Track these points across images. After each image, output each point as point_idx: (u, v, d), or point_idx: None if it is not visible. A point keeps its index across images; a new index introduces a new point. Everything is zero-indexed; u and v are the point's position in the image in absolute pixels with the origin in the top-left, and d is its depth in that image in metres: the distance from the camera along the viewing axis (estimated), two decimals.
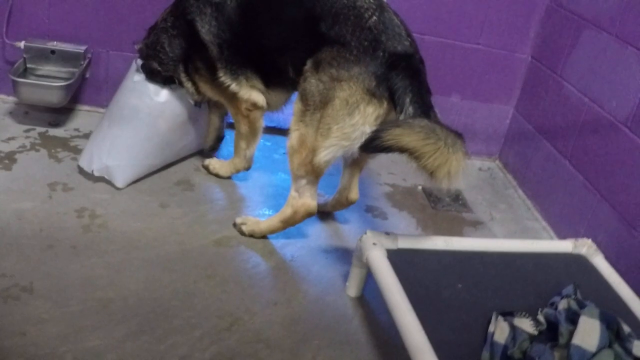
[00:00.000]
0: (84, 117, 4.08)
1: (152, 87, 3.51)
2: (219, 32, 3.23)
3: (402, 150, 2.61)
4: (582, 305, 2.51)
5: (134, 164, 3.45)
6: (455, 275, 2.75)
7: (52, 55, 3.90)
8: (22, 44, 3.82)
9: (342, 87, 2.83)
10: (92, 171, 3.38)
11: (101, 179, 3.39)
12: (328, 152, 2.91)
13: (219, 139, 3.95)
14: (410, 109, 2.76)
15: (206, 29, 3.24)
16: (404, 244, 2.85)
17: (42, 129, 3.82)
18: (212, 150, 3.95)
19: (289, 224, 3.19)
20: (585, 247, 3.10)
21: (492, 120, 4.57)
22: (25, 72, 3.85)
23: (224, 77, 3.29)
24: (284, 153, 3.97)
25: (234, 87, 3.30)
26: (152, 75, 3.52)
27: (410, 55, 2.88)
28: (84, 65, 3.91)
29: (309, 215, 3.15)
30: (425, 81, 2.89)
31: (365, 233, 2.84)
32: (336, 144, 2.89)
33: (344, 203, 3.48)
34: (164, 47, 3.46)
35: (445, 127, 2.64)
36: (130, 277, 2.79)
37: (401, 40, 2.88)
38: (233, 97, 3.36)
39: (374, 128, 2.80)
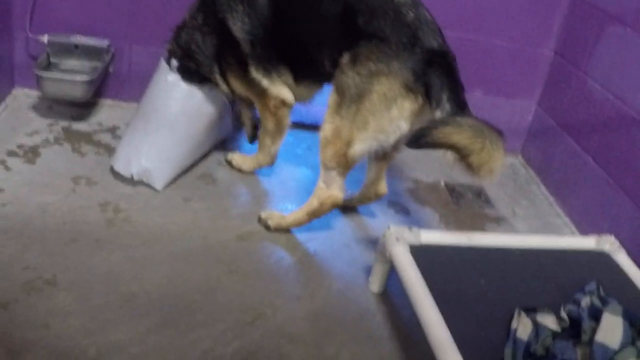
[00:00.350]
0: (107, 111, 4.10)
1: (187, 88, 3.47)
2: (251, 29, 3.21)
3: (450, 147, 2.68)
4: (605, 302, 2.50)
5: (171, 165, 3.46)
6: (478, 271, 2.75)
7: (75, 50, 3.92)
8: (45, 38, 3.84)
9: (381, 81, 2.85)
10: (132, 175, 3.35)
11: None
12: (363, 144, 2.95)
13: (255, 127, 3.90)
14: (447, 106, 2.79)
15: (238, 26, 3.22)
16: (427, 239, 2.84)
17: (65, 123, 3.85)
18: (252, 140, 3.90)
19: (315, 216, 3.20)
20: (608, 244, 3.08)
21: (515, 116, 4.54)
22: (49, 67, 3.87)
23: (256, 74, 3.28)
24: (307, 148, 4.00)
25: (265, 83, 3.30)
26: (190, 76, 3.48)
27: (445, 52, 2.92)
28: (108, 59, 3.93)
29: (335, 206, 3.18)
30: (459, 78, 2.91)
31: (388, 228, 2.83)
32: (372, 136, 2.93)
33: (371, 197, 3.49)
34: (199, 47, 3.42)
35: (489, 126, 2.70)
36: (154, 271, 2.81)
37: (435, 37, 2.92)
38: (262, 94, 3.35)
39: (408, 123, 2.88)
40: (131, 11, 3.95)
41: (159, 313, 2.58)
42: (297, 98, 3.45)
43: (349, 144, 2.97)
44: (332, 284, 2.97)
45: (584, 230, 3.72)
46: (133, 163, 3.36)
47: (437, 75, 2.83)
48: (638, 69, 3.44)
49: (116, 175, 3.40)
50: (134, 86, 4.01)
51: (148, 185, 3.37)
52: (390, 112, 2.88)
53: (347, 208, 3.52)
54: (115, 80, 4.13)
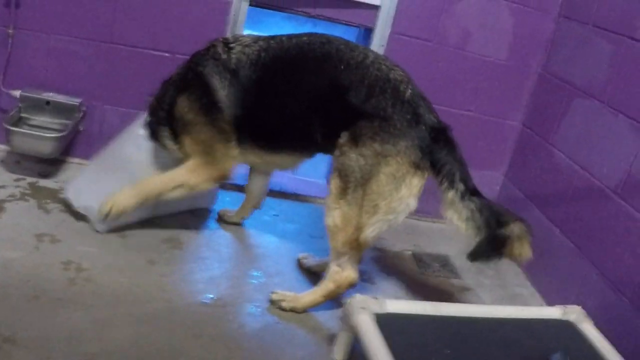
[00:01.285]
0: (75, 169, 4.08)
1: (150, 144, 3.50)
2: (235, 99, 3.19)
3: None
4: None
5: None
6: (444, 341, 2.73)
7: (47, 106, 3.91)
8: (18, 93, 3.84)
9: (389, 162, 2.88)
10: (78, 208, 3.44)
11: (89, 232, 3.38)
12: (375, 228, 2.97)
13: (253, 210, 3.90)
14: (461, 186, 2.93)
15: (225, 93, 3.19)
16: (392, 308, 2.83)
17: (32, 179, 3.82)
18: (242, 220, 3.89)
19: (331, 297, 3.19)
20: (574, 314, 3.09)
21: (483, 187, 4.50)
22: (19, 122, 3.85)
23: (227, 142, 3.24)
24: (274, 215, 4.01)
25: (235, 152, 3.27)
26: (154, 136, 3.45)
27: (445, 127, 3.00)
28: (78, 117, 3.93)
29: (351, 287, 3.15)
30: (462, 154, 3.03)
31: (353, 297, 2.81)
32: (383, 218, 2.95)
33: None
34: (164, 101, 3.36)
35: (522, 221, 2.99)
36: (116, 332, 2.75)
37: (432, 112, 3.00)
38: (219, 158, 3.28)
39: (416, 199, 2.95)
40: (105, 72, 3.97)
41: None
42: (283, 166, 3.48)
43: (360, 229, 2.97)
44: (295, 352, 2.93)
45: (550, 301, 3.73)
46: (82, 197, 3.46)
47: (445, 153, 2.95)
48: (604, 140, 3.50)
49: (80, 234, 3.37)
50: (103, 146, 4.00)
51: (111, 246, 3.33)
52: (399, 192, 2.92)
53: (312, 274, 3.52)
54: (85, 140, 4.12)
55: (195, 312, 3.03)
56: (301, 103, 3.10)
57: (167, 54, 3.93)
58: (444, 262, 4.05)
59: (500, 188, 4.58)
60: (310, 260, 3.59)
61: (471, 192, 2.96)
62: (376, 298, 2.83)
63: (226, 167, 3.31)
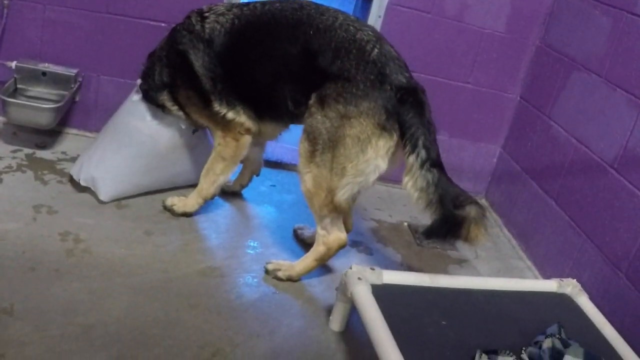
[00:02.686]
0: (71, 140, 4.07)
1: (146, 109, 3.54)
2: (212, 67, 3.25)
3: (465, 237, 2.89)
4: (566, 345, 2.52)
5: (120, 179, 3.48)
6: (440, 312, 2.74)
7: (43, 77, 3.90)
8: (13, 64, 3.82)
9: (352, 124, 2.85)
10: (79, 180, 3.45)
11: (86, 204, 3.38)
12: (345, 190, 2.94)
13: (251, 176, 3.95)
14: (422, 153, 2.82)
15: (199, 63, 3.26)
16: (389, 279, 2.84)
17: (29, 151, 3.81)
18: (241, 188, 3.94)
19: (324, 261, 3.23)
20: (569, 287, 3.11)
21: (480, 159, 4.58)
22: (15, 93, 3.84)
23: (220, 107, 3.29)
24: (271, 185, 4.01)
25: (230, 115, 3.29)
26: (147, 97, 3.54)
27: (415, 87, 2.92)
28: (74, 88, 3.91)
29: (341, 247, 3.18)
30: (431, 116, 2.94)
31: (350, 268, 2.83)
32: (352, 181, 2.93)
33: None
34: (154, 74, 3.46)
35: (478, 205, 2.91)
36: (112, 303, 2.76)
37: (403, 72, 2.93)
38: (226, 123, 3.33)
39: (386, 160, 2.90)
40: (101, 42, 3.94)
41: (116, 346, 2.53)
42: (262, 135, 3.46)
43: (332, 192, 2.97)
44: (293, 322, 2.94)
45: (546, 273, 3.75)
46: (83, 169, 3.48)
47: (410, 116, 2.86)
48: (602, 115, 3.49)
49: (78, 205, 3.37)
50: (99, 117, 3.99)
51: (109, 216, 3.33)
52: (365, 154, 2.87)
53: (310, 245, 3.49)
54: (81, 110, 4.11)
55: (192, 282, 3.04)
56: (274, 70, 3.12)
57: (163, 24, 3.91)
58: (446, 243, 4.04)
59: (497, 160, 4.58)
60: (306, 232, 3.61)
61: (432, 162, 2.84)
62: (373, 269, 2.84)
63: (241, 126, 3.33)
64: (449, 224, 2.85)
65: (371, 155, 2.87)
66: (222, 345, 2.69)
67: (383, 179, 4.28)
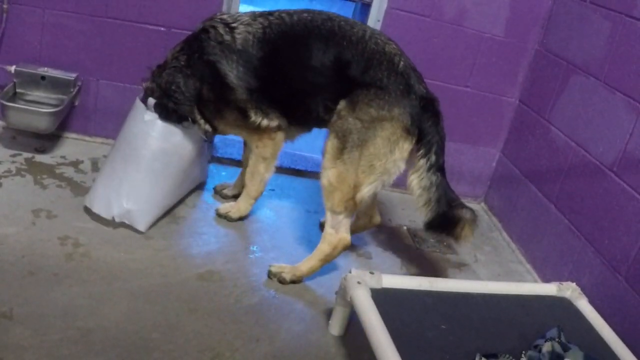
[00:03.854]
0: (71, 144, 4.07)
1: (165, 127, 3.43)
2: (247, 77, 3.27)
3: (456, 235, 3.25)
4: (566, 348, 2.52)
5: (155, 205, 3.43)
6: (439, 316, 2.74)
7: (42, 81, 3.90)
8: (12, 68, 3.82)
9: (384, 126, 3.08)
10: (113, 217, 3.32)
11: (84, 208, 3.37)
12: (371, 187, 3.15)
13: None
14: (433, 158, 3.14)
15: (234, 74, 3.27)
16: (388, 283, 2.84)
17: (28, 155, 3.81)
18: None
19: (328, 261, 3.29)
20: (569, 290, 3.11)
21: (479, 163, 4.58)
22: (14, 97, 3.84)
23: (255, 117, 3.33)
24: (271, 190, 4.01)
25: (265, 122, 3.35)
26: (168, 115, 3.42)
27: (433, 98, 3.20)
28: (74, 92, 3.91)
29: (345, 248, 3.29)
30: (443, 126, 3.24)
31: (350, 272, 2.83)
32: (378, 178, 3.14)
33: (367, 226, 3.72)
34: (179, 87, 3.36)
35: (471, 210, 3.28)
36: (112, 307, 2.76)
37: (422, 83, 3.20)
38: (259, 129, 3.39)
39: (405, 162, 3.17)
40: (100, 46, 3.95)
41: (115, 350, 2.53)
42: (287, 137, 3.55)
43: (356, 188, 3.12)
44: (292, 326, 2.94)
45: (545, 277, 3.74)
46: (114, 205, 3.32)
47: (430, 123, 3.15)
48: (601, 118, 3.49)
49: (77, 209, 3.37)
50: (99, 121, 4.00)
51: (108, 221, 3.33)
52: (394, 154, 3.11)
53: None
54: (81, 115, 4.11)
55: (192, 286, 3.03)
56: (309, 78, 3.22)
57: (162, 28, 3.91)
58: (440, 238, 4.05)
59: (496, 164, 4.58)
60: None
61: (438, 167, 3.16)
62: (372, 273, 2.84)
63: (275, 127, 3.41)
64: (448, 220, 3.19)
65: (398, 156, 3.12)
66: (221, 349, 2.68)
67: None
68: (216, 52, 3.27)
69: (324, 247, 3.24)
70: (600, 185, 3.41)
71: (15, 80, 3.85)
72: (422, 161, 3.14)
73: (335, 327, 2.93)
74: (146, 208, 3.37)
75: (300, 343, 2.85)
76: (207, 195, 3.88)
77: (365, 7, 4.15)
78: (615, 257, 3.21)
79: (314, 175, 4.31)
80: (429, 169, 3.14)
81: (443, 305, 2.84)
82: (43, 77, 3.89)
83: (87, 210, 3.38)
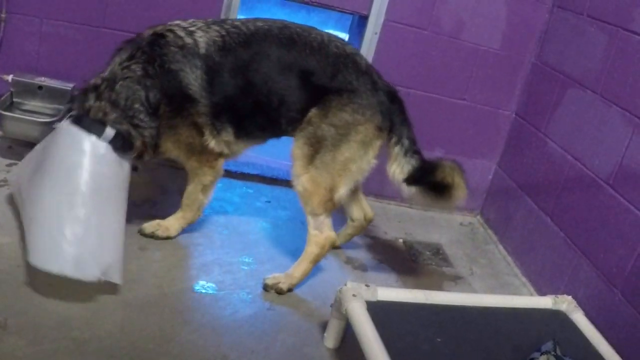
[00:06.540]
0: None
1: (116, 158, 2.98)
2: (210, 88, 3.08)
3: (446, 185, 3.27)
4: None
5: (121, 247, 2.97)
6: (435, 329, 2.74)
7: (39, 91, 3.90)
8: (9, 78, 3.82)
9: (358, 130, 3.14)
10: (96, 279, 2.78)
11: None
12: (347, 186, 3.22)
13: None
14: (406, 143, 3.25)
15: (198, 84, 3.05)
16: (383, 296, 2.84)
17: None
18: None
19: (318, 261, 3.33)
20: (565, 304, 3.12)
21: (475, 176, 4.58)
22: (11, 106, 3.84)
23: (207, 135, 3.15)
24: (267, 201, 4.00)
25: (212, 144, 3.19)
26: (127, 142, 3.03)
27: (395, 90, 3.33)
28: (71, 102, 3.90)
29: (333, 246, 3.35)
30: (408, 114, 3.34)
31: (345, 284, 2.83)
32: (353, 178, 3.23)
33: (363, 225, 3.74)
34: (142, 104, 3.02)
35: (457, 163, 3.39)
36: (106, 318, 2.76)
37: (381, 77, 3.26)
38: (202, 152, 3.21)
39: (377, 157, 3.25)
40: (97, 56, 3.91)
41: None
42: (232, 156, 3.38)
43: (333, 190, 3.17)
44: (287, 339, 2.93)
45: (541, 290, 3.74)
46: (88, 264, 2.77)
47: (397, 113, 3.26)
48: (597, 131, 3.50)
49: None
50: None
51: None
52: (367, 154, 3.20)
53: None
54: None
55: (187, 298, 3.03)
56: (272, 90, 3.14)
57: None
58: (436, 251, 4.05)
59: (492, 177, 4.58)
60: None
61: (414, 150, 3.28)
62: (368, 285, 2.84)
63: (218, 154, 3.26)
64: (435, 188, 3.28)
65: (371, 154, 3.21)
66: None
67: (378, 195, 4.31)
68: (178, 59, 3.02)
69: (313, 249, 3.26)
70: (597, 198, 3.41)
71: (12, 89, 3.85)
72: (397, 148, 3.25)
73: (331, 339, 2.92)
74: (120, 256, 2.92)
75: (295, 355, 2.84)
76: None
77: (363, 20, 4.16)
78: (611, 271, 3.21)
79: None
80: (405, 154, 3.25)
81: (438, 318, 2.84)
82: (40, 87, 3.89)
83: None
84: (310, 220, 3.24)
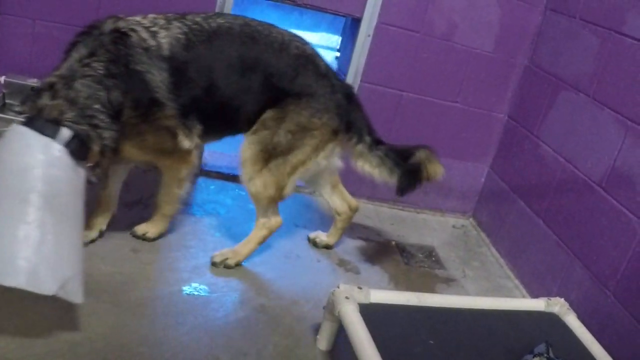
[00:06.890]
0: None
1: (71, 160, 2.69)
2: (177, 90, 2.96)
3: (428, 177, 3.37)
4: None
5: (80, 260, 2.65)
6: (427, 332, 2.74)
7: (31, 92, 3.87)
8: (2, 79, 3.80)
9: (314, 135, 3.21)
10: (53, 293, 2.44)
11: None
12: (293, 185, 3.34)
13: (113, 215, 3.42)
14: (367, 139, 3.35)
15: (165, 87, 2.93)
16: (376, 298, 2.84)
17: None
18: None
19: (263, 242, 3.48)
20: (557, 306, 3.12)
21: (467, 178, 4.59)
22: (3, 107, 3.82)
23: (181, 137, 3.07)
24: None
25: (186, 143, 3.10)
26: (83, 150, 2.76)
27: (350, 86, 3.46)
28: None
29: (278, 227, 3.48)
30: (364, 109, 3.42)
31: (338, 287, 2.82)
32: (300, 177, 3.35)
33: (350, 215, 3.78)
34: (104, 105, 2.80)
35: (424, 147, 3.43)
36: (98, 321, 2.74)
37: (337, 76, 3.29)
38: (174, 150, 3.12)
39: (327, 158, 3.35)
40: None
41: None
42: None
43: (283, 189, 3.30)
44: (280, 341, 2.92)
45: (534, 293, 3.75)
46: (46, 276, 2.44)
47: (354, 112, 3.33)
48: (589, 134, 3.51)
49: None
50: None
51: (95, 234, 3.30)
52: (317, 156, 3.28)
53: (327, 247, 3.78)
54: None
55: (179, 300, 3.02)
56: (235, 90, 3.13)
57: None
58: (428, 253, 4.05)
59: (484, 180, 4.59)
60: (322, 237, 3.84)
61: (377, 142, 3.38)
62: (360, 288, 2.84)
63: (188, 151, 3.17)
64: (410, 175, 3.36)
65: (321, 157, 3.30)
66: None
67: (371, 198, 4.32)
68: (144, 61, 2.87)
69: (263, 233, 3.43)
70: (589, 200, 3.42)
71: (4, 91, 3.83)
72: (360, 146, 3.35)
73: (323, 342, 2.92)
74: (79, 270, 2.61)
75: (288, 357, 2.83)
76: (195, 208, 3.87)
77: (356, 22, 4.16)
78: (604, 273, 3.21)
79: (302, 190, 4.30)
80: (370, 149, 3.35)
81: (431, 320, 2.84)
82: (33, 88, 3.86)
83: None
84: (260, 212, 3.38)
